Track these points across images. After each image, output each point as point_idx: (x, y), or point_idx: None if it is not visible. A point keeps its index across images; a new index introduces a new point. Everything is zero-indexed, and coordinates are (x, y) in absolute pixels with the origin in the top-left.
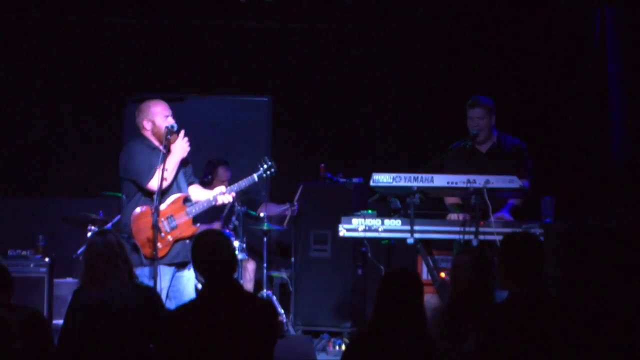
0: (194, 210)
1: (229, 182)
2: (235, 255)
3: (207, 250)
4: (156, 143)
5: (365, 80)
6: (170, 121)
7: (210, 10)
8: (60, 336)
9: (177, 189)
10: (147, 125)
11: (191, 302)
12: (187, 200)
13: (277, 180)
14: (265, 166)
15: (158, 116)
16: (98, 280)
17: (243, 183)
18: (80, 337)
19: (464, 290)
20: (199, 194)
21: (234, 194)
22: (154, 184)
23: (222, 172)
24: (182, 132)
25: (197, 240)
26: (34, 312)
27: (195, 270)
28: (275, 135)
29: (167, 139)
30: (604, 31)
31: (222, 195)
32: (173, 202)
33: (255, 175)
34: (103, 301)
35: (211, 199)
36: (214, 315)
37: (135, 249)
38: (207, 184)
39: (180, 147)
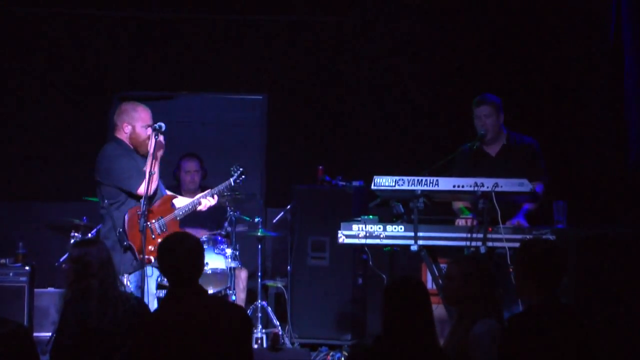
0: (181, 212)
1: (202, 172)
2: (202, 260)
3: (169, 250)
4: (131, 147)
5: (366, 78)
6: (149, 132)
7: (202, 4)
8: (54, 347)
9: (160, 191)
10: (127, 128)
11: (153, 313)
12: (173, 200)
13: (273, 183)
14: (238, 173)
15: (140, 123)
16: (89, 292)
17: (221, 187)
18: (74, 349)
19: (453, 301)
20: (183, 202)
21: (216, 197)
22: (143, 189)
23: (184, 163)
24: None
25: (162, 242)
26: (17, 327)
27: (161, 272)
28: (270, 136)
29: (155, 139)
30: (619, 22)
31: (206, 198)
32: (162, 203)
33: (231, 180)
34: (95, 313)
35: (196, 201)
36: (176, 327)
37: (132, 251)
38: (176, 179)
39: (160, 148)
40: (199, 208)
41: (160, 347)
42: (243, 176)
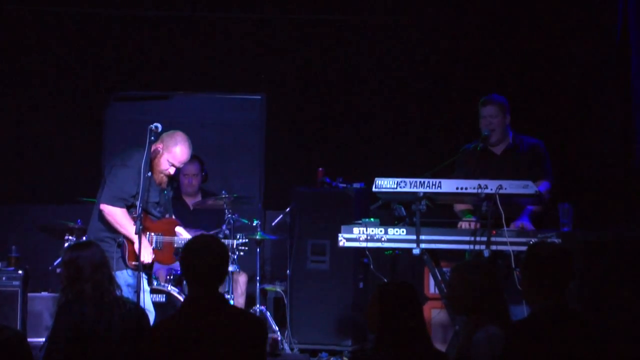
0: (180, 242)
1: (201, 176)
2: (226, 266)
3: (197, 253)
4: (153, 163)
5: (367, 77)
6: (172, 171)
7: (199, 2)
8: (46, 353)
9: (165, 211)
10: (158, 147)
11: (170, 317)
12: (177, 227)
13: (272, 185)
14: (243, 241)
15: (170, 155)
16: (83, 297)
17: (226, 242)
18: (66, 355)
19: (454, 310)
20: (182, 232)
21: None
22: (106, 208)
23: (185, 166)
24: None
25: (188, 243)
26: (14, 334)
27: (183, 275)
28: (269, 137)
29: (151, 140)
30: (626, 23)
31: None
32: (168, 224)
33: (235, 242)
34: (90, 318)
35: None
36: (195, 333)
37: (122, 249)
38: (176, 181)
39: (147, 255)
40: None
41: (176, 352)
42: (245, 248)
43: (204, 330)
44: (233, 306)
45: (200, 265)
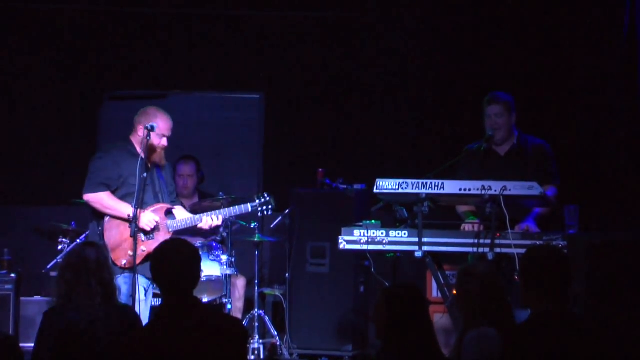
0: (175, 225)
1: (197, 177)
2: (198, 269)
3: (164, 258)
4: (139, 150)
5: (368, 76)
6: (165, 143)
7: None
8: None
9: (160, 200)
10: (141, 132)
11: (144, 328)
12: (169, 212)
13: (270, 186)
14: (262, 200)
15: (157, 132)
16: (64, 294)
17: (234, 210)
18: None
19: (474, 312)
20: (182, 215)
21: (222, 217)
22: (90, 197)
23: (179, 167)
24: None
25: (157, 248)
26: (5, 338)
27: (154, 283)
28: (268, 136)
29: (147, 139)
30: (633, 22)
31: (209, 216)
32: (155, 211)
33: (249, 206)
34: (76, 323)
35: (197, 218)
36: (169, 342)
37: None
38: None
39: (147, 221)
40: (199, 225)
41: None
42: (270, 206)
43: (180, 339)
44: (210, 310)
45: (170, 271)
